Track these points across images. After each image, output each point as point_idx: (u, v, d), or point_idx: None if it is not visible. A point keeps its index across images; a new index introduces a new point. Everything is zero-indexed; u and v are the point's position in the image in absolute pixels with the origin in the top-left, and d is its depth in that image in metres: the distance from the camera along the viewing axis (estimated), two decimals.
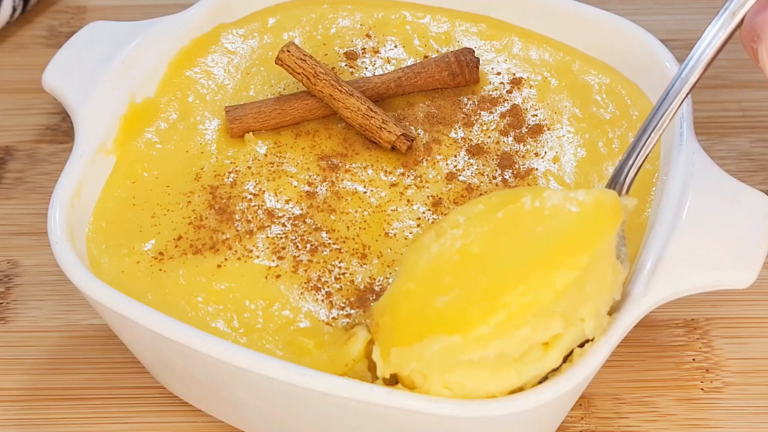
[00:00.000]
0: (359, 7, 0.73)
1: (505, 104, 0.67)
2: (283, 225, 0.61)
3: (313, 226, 0.61)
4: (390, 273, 0.59)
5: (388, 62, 0.70)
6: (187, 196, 0.63)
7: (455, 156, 0.64)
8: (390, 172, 0.64)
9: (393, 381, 0.54)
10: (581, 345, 0.55)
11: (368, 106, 0.65)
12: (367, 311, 0.58)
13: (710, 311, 0.67)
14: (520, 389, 0.54)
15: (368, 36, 0.71)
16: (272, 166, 0.64)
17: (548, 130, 0.66)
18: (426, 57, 0.70)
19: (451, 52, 0.68)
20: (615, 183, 0.58)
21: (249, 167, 0.64)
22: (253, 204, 0.62)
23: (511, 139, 0.65)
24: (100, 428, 0.63)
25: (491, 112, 0.67)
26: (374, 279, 0.59)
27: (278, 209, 0.62)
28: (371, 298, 0.58)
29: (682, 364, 0.65)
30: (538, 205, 0.54)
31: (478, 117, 0.66)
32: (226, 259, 0.60)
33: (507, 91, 0.68)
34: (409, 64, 0.69)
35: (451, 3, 0.72)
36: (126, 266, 0.60)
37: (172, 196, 0.63)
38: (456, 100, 0.67)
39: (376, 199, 0.63)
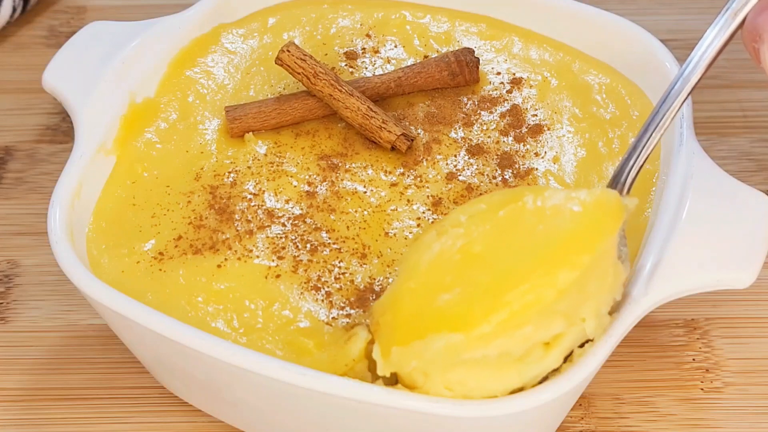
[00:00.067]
0: (359, 7, 0.73)
1: (505, 104, 0.67)
2: (283, 225, 0.61)
3: (313, 226, 0.61)
4: (390, 273, 0.59)
5: (388, 62, 0.70)
6: (187, 196, 0.63)
7: (455, 156, 0.64)
8: (390, 172, 0.64)
9: (393, 380, 0.54)
10: (581, 345, 0.55)
11: (368, 106, 0.65)
12: (367, 311, 0.58)
13: (710, 311, 0.67)
14: (521, 389, 0.54)
15: (368, 36, 0.71)
16: (272, 166, 0.64)
17: (548, 130, 0.66)
18: (426, 57, 0.70)
19: (451, 52, 0.68)
20: (616, 183, 0.58)
21: (249, 167, 0.64)
22: (253, 204, 0.62)
23: (511, 139, 0.65)
24: (100, 428, 0.63)
25: (491, 112, 0.67)
26: (374, 279, 0.59)
27: (278, 209, 0.62)
28: (371, 298, 0.58)
29: (682, 364, 0.65)
30: (540, 204, 0.54)
31: (478, 117, 0.66)
32: (226, 259, 0.60)
33: (507, 91, 0.68)
34: (409, 64, 0.69)
35: (451, 3, 0.72)
36: (126, 266, 0.60)
37: (172, 196, 0.63)
38: (456, 100, 0.67)
39: (376, 198, 0.63)
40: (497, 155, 0.64)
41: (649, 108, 0.66)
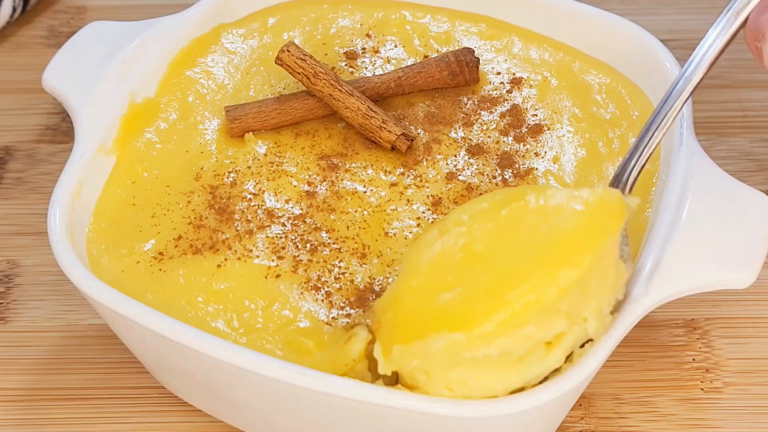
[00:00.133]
0: (359, 7, 0.73)
1: (505, 104, 0.67)
2: (283, 225, 0.61)
3: (313, 226, 0.61)
4: (390, 273, 0.59)
5: (388, 62, 0.70)
6: (187, 196, 0.63)
7: (455, 156, 0.64)
8: (390, 172, 0.64)
9: (393, 380, 0.54)
10: (581, 345, 0.55)
11: (368, 106, 0.65)
12: (366, 311, 0.58)
13: (710, 311, 0.67)
14: (521, 389, 0.53)
15: (368, 36, 0.71)
16: (272, 166, 0.64)
17: (548, 129, 0.66)
18: (426, 57, 0.70)
19: (451, 51, 0.68)
20: (618, 182, 0.58)
21: (249, 167, 0.64)
22: (252, 204, 0.62)
23: (511, 138, 0.65)
24: (100, 428, 0.63)
25: (491, 112, 0.67)
26: (374, 279, 0.59)
27: (278, 209, 0.62)
28: (371, 298, 0.58)
29: (682, 364, 0.65)
30: (542, 203, 0.54)
31: (478, 117, 0.66)
32: (226, 259, 0.60)
33: (507, 91, 0.68)
34: (409, 64, 0.69)
35: (451, 3, 0.72)
36: (126, 266, 0.60)
37: (172, 196, 0.63)
38: (456, 100, 0.67)
39: (376, 198, 0.63)
40: (497, 155, 0.64)
41: (649, 108, 0.66)
